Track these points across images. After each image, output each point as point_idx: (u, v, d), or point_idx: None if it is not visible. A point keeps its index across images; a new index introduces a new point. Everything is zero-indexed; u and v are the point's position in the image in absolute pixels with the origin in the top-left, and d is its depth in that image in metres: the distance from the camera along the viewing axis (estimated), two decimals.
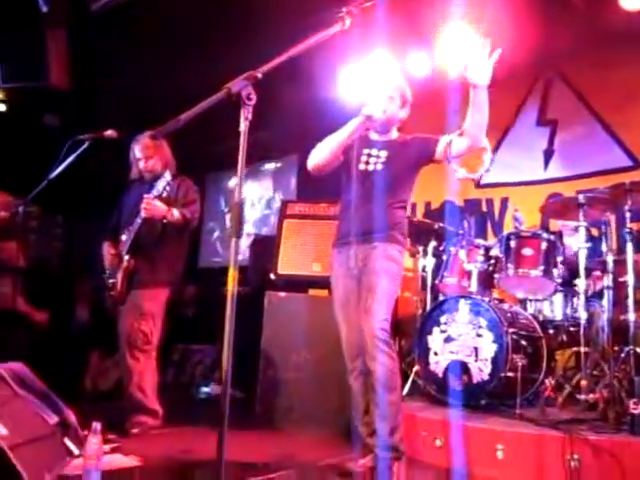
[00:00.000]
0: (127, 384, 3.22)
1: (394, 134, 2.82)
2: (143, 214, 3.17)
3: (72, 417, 2.28)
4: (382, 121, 2.70)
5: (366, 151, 2.73)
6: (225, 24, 4.11)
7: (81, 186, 5.29)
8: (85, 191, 5.54)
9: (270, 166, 6.93)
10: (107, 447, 2.47)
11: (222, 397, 1.42)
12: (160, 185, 3.11)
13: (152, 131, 3.28)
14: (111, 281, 3.38)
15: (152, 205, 3.14)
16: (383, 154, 2.70)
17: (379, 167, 2.68)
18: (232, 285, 1.43)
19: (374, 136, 2.80)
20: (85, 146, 3.25)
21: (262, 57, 1.75)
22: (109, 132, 3.25)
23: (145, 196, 3.15)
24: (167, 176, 3.12)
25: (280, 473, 2.51)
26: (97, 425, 2.32)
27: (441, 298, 3.66)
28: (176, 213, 3.25)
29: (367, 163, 2.70)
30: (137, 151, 3.43)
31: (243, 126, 1.46)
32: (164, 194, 3.14)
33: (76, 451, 2.24)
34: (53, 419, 2.14)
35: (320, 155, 2.68)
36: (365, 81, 4.69)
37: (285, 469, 2.57)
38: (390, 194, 2.66)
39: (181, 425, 3.38)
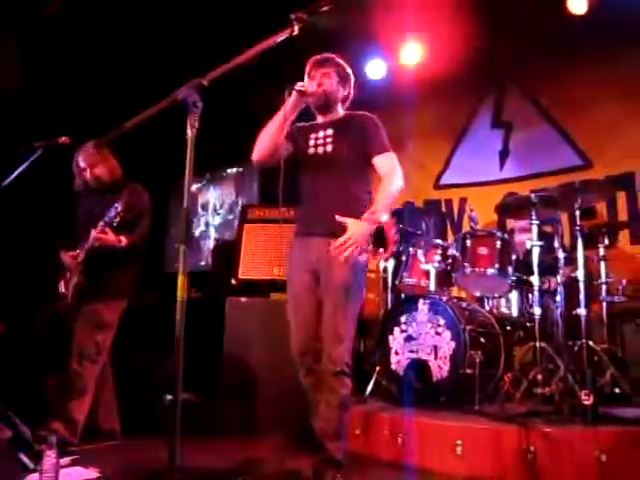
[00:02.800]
0: (67, 395, 3.08)
1: (340, 112, 2.67)
2: (93, 243, 3.13)
3: (27, 432, 2.23)
4: (321, 97, 2.56)
5: (313, 135, 2.61)
6: (179, 29, 4.10)
7: (36, 194, 5.17)
8: (40, 199, 5.42)
9: (232, 171, 6.91)
10: (66, 460, 2.44)
11: (174, 404, 1.42)
12: (112, 213, 3.08)
13: (96, 140, 3.24)
14: (62, 291, 3.34)
15: (102, 239, 3.11)
16: (330, 132, 2.57)
17: (329, 148, 2.55)
18: (181, 292, 1.43)
19: (320, 119, 2.68)
20: (39, 153, 3.19)
21: (213, 63, 1.76)
22: (63, 139, 3.19)
23: (93, 231, 3.11)
24: (118, 206, 3.07)
25: (242, 478, 2.50)
26: (53, 438, 2.28)
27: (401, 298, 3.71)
28: (124, 240, 3.21)
29: (316, 146, 2.58)
30: (80, 161, 3.35)
31: (190, 133, 1.46)
32: (114, 223, 3.10)
33: (31, 465, 2.19)
34: (6, 434, 2.10)
35: (261, 143, 2.53)
36: None
37: (245, 475, 2.57)
38: (350, 177, 2.51)
39: (144, 434, 3.33)
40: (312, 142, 2.60)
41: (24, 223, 5.39)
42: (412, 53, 4.43)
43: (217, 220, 7.02)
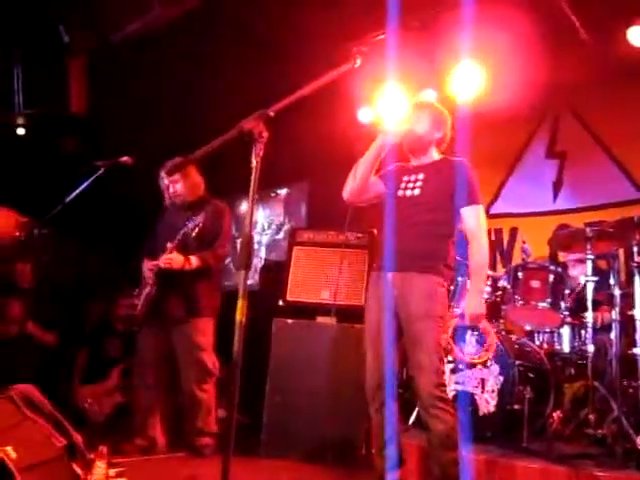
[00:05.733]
0: (195, 415, 3.37)
1: (434, 156, 2.74)
2: (162, 265, 3.30)
3: (79, 440, 2.30)
4: (408, 138, 2.66)
5: (405, 178, 2.70)
6: (240, 58, 4.23)
7: (98, 210, 5.39)
8: (101, 215, 5.64)
9: (281, 192, 7.00)
10: (112, 472, 2.49)
11: (228, 424, 1.44)
12: (191, 225, 3.26)
13: (166, 168, 3.39)
14: (135, 302, 3.49)
15: (169, 263, 3.28)
16: (421, 176, 2.66)
17: (417, 192, 2.63)
18: (240, 315, 1.47)
19: (414, 162, 2.76)
20: (101, 172, 3.35)
21: (276, 93, 1.82)
22: (124, 158, 3.35)
23: (169, 244, 3.29)
24: (198, 219, 3.25)
25: None
26: (104, 448, 2.35)
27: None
28: (194, 261, 3.35)
29: (405, 189, 2.67)
30: (164, 178, 3.53)
31: (255, 162, 1.51)
32: (193, 234, 3.28)
33: (82, 474, 2.26)
34: (61, 442, 2.17)
35: (351, 183, 2.65)
36: (378, 111, 4.79)
37: None
38: (431, 220, 2.58)
39: (189, 450, 3.38)
40: (403, 185, 2.68)
41: (86, 238, 5.62)
42: (467, 83, 4.42)
43: (265, 240, 7.11)
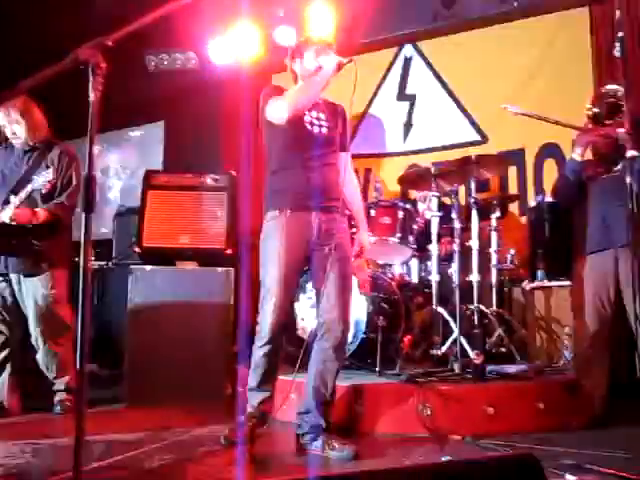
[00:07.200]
0: (52, 371, 3.22)
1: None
2: (7, 221, 3.06)
3: None
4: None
5: (306, 111, 2.61)
6: None
7: None
8: None
9: (135, 134, 6.61)
10: None
11: (78, 375, 1.38)
12: (40, 180, 2.99)
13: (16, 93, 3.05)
14: None
15: (15, 219, 3.06)
16: (322, 116, 2.65)
17: (324, 131, 2.62)
18: (85, 262, 1.38)
19: None
20: None
21: (115, 21, 1.67)
22: None
23: (13, 197, 3.05)
24: (49, 174, 3.00)
25: (151, 446, 2.49)
26: None
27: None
28: (42, 215, 3.12)
29: (312, 124, 2.61)
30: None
31: (92, 97, 1.39)
32: (43, 190, 3.04)
33: None
34: None
35: (301, 101, 2.50)
36: (233, 47, 4.65)
37: (156, 442, 2.56)
38: (337, 162, 2.65)
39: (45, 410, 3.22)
40: (308, 118, 2.60)
41: None
42: (319, 22, 4.43)
43: (119, 185, 6.73)
